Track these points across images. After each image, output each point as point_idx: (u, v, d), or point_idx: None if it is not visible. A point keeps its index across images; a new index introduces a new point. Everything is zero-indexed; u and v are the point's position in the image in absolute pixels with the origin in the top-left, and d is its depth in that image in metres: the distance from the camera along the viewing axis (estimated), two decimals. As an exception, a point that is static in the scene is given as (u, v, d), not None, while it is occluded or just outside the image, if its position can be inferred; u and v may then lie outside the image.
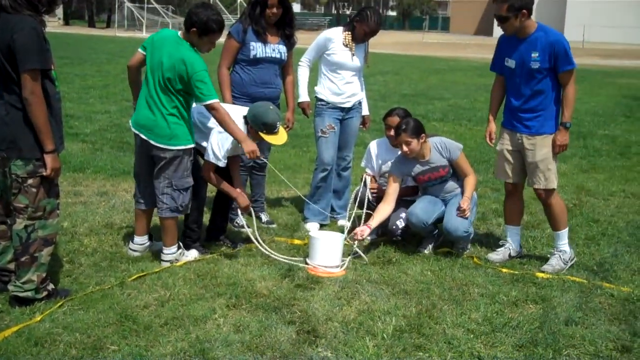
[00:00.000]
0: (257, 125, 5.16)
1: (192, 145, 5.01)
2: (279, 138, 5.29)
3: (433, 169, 5.65)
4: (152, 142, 4.92)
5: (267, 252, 5.30)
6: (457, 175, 5.72)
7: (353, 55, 6.13)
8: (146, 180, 5.16)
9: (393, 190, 5.68)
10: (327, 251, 5.22)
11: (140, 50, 5.06)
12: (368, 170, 6.24)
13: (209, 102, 4.85)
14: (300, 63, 6.30)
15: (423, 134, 5.53)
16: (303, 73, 6.30)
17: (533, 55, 5.12)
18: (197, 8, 4.94)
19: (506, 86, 5.46)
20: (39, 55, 3.97)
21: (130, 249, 5.31)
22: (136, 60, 5.09)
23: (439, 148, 5.62)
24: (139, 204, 5.27)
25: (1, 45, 3.97)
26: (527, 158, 5.33)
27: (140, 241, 5.31)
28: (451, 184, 5.70)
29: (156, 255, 5.21)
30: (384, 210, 5.65)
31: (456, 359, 3.83)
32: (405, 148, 5.51)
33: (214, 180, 5.27)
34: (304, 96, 6.35)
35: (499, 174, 5.61)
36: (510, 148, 5.44)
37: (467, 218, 5.50)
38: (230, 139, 5.07)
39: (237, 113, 5.24)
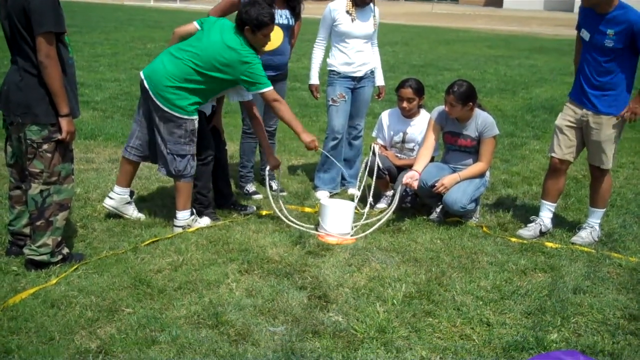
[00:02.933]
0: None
1: (186, 117, 4.98)
2: (276, 38, 5.36)
3: (463, 135, 5.69)
4: (151, 94, 4.97)
5: (283, 217, 5.38)
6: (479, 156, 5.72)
7: (354, 19, 6.10)
8: (143, 130, 5.22)
9: (432, 135, 5.78)
10: (338, 219, 5.27)
11: (196, 23, 5.13)
12: (378, 140, 6.27)
13: (264, 90, 5.03)
14: (315, 45, 6.28)
15: (471, 103, 5.56)
16: (317, 55, 6.28)
17: (609, 32, 4.98)
18: (245, 7, 5.03)
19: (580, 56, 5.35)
20: (54, 18, 3.97)
21: (108, 196, 5.33)
22: (186, 30, 5.15)
23: (478, 121, 5.63)
24: (127, 152, 5.32)
25: (15, 9, 3.97)
26: (591, 136, 5.22)
27: (119, 191, 5.32)
28: (470, 160, 5.72)
29: (169, 221, 5.27)
30: (425, 154, 5.74)
31: (465, 325, 3.88)
32: (448, 108, 5.56)
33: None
34: (314, 78, 6.32)
35: (554, 150, 5.42)
36: (570, 124, 5.31)
37: (440, 189, 5.52)
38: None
39: None
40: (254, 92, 5.06)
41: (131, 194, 5.42)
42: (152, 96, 4.97)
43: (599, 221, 5.44)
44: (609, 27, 4.98)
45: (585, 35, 5.15)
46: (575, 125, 5.30)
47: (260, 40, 5.10)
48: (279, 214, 5.39)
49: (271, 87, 5.07)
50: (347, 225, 5.31)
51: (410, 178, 5.55)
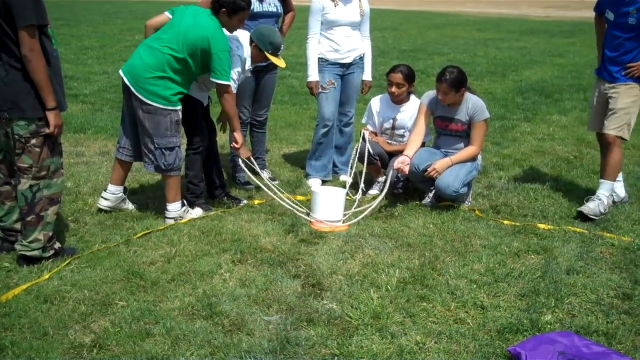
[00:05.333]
0: (265, 45, 5.31)
1: (170, 108, 4.96)
2: (282, 61, 5.51)
3: (454, 120, 5.67)
4: (132, 89, 4.92)
5: (276, 197, 5.39)
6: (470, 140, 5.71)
7: (337, 4, 6.07)
8: (129, 131, 5.19)
9: (422, 120, 5.77)
10: (329, 206, 5.26)
11: (167, 13, 5.12)
12: (368, 126, 6.25)
13: (223, 81, 5.00)
14: (308, 39, 6.21)
15: (463, 88, 5.55)
16: (313, 49, 6.17)
17: (631, 11, 5.23)
18: None
19: (605, 35, 5.61)
20: (35, 10, 3.92)
21: (102, 197, 5.31)
22: (158, 21, 5.13)
23: (468, 105, 5.61)
24: (119, 152, 5.29)
25: None
26: (609, 105, 5.48)
27: (114, 190, 5.30)
28: (462, 144, 5.71)
29: (161, 212, 5.25)
30: (415, 139, 5.73)
31: (459, 308, 3.88)
32: (441, 96, 5.54)
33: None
34: (313, 75, 6.19)
35: (590, 125, 5.85)
36: (597, 98, 5.64)
37: (433, 173, 5.52)
38: (240, 61, 5.29)
39: (243, 36, 5.40)
40: (213, 79, 5.01)
41: (124, 189, 5.40)
42: (135, 91, 4.91)
43: (607, 193, 5.53)
44: (630, 6, 5.22)
45: (610, 15, 5.42)
46: (600, 99, 5.60)
47: (234, 25, 5.10)
48: (273, 196, 5.40)
49: (229, 83, 5.06)
50: (339, 213, 5.30)
51: (402, 163, 5.54)
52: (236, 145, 5.40)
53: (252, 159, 5.62)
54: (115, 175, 5.34)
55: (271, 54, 5.36)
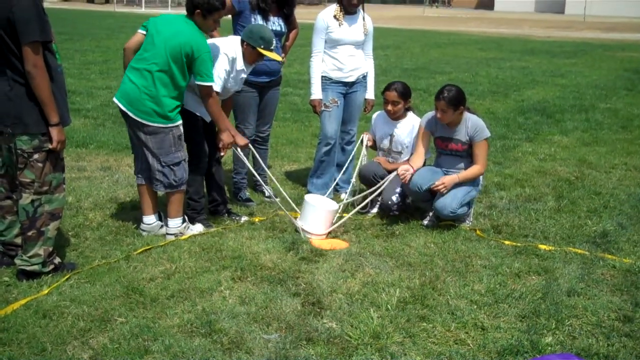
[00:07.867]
0: (256, 41, 5.28)
1: (171, 125, 4.94)
2: (277, 55, 5.53)
3: (454, 140, 5.67)
4: (130, 114, 4.90)
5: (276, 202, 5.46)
6: (472, 159, 5.72)
7: (341, 24, 6.10)
8: (140, 155, 5.18)
9: (422, 143, 5.80)
10: (315, 217, 5.36)
11: (140, 31, 5.05)
12: (369, 132, 6.28)
13: (207, 83, 4.94)
14: (311, 57, 6.23)
15: (461, 107, 5.55)
16: (316, 68, 6.19)
17: None
18: None
19: None
20: (40, 27, 3.94)
21: (141, 229, 5.28)
22: (135, 42, 5.04)
23: (468, 124, 5.61)
24: (138, 178, 5.28)
25: (1, 19, 3.94)
26: None
27: (148, 221, 5.26)
28: (462, 164, 5.71)
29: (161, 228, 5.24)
30: (417, 159, 5.75)
31: (460, 329, 3.87)
32: (439, 114, 5.55)
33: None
34: (316, 93, 6.21)
35: None
36: None
37: (441, 193, 5.54)
38: (227, 60, 5.25)
39: (234, 40, 5.39)
40: (198, 81, 4.94)
41: (159, 215, 5.33)
42: (133, 115, 4.89)
43: None
44: None
45: None
46: None
47: (210, 25, 5.07)
48: (285, 211, 5.48)
49: (213, 84, 5.00)
50: (324, 225, 5.35)
51: (405, 170, 5.55)
52: (220, 146, 5.34)
53: (261, 162, 5.68)
54: (144, 203, 5.27)
55: (264, 48, 5.32)
